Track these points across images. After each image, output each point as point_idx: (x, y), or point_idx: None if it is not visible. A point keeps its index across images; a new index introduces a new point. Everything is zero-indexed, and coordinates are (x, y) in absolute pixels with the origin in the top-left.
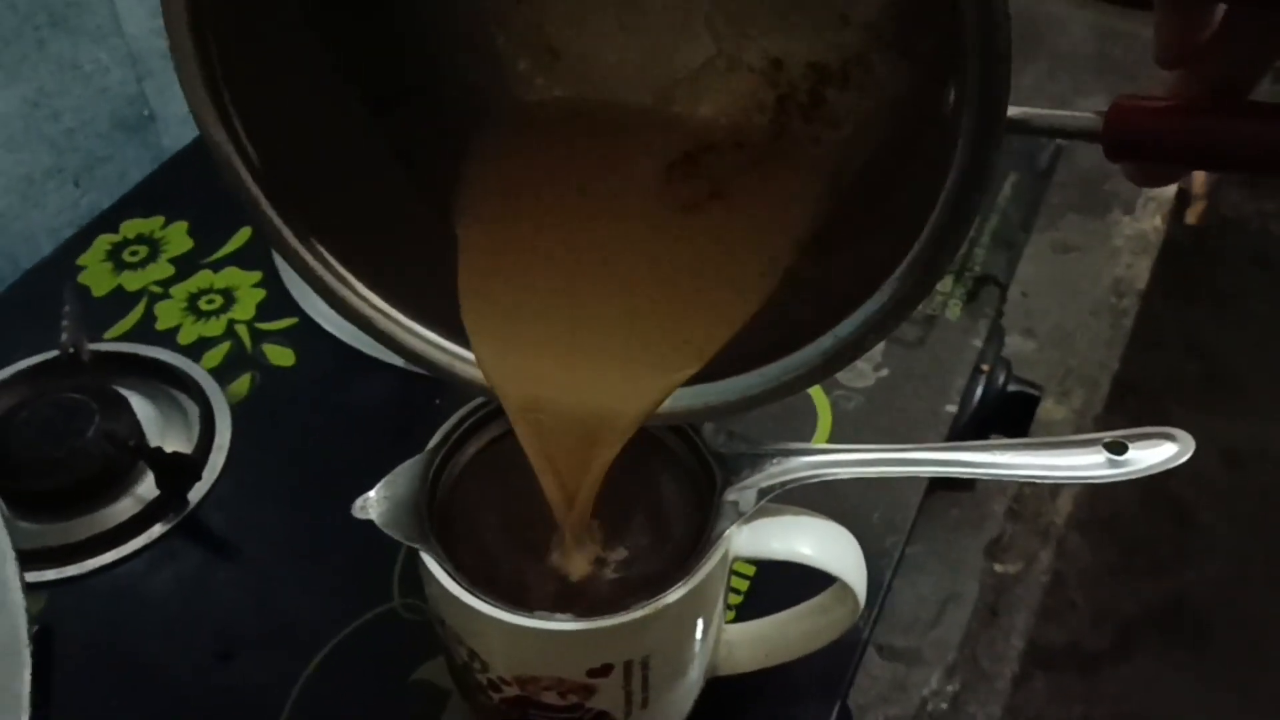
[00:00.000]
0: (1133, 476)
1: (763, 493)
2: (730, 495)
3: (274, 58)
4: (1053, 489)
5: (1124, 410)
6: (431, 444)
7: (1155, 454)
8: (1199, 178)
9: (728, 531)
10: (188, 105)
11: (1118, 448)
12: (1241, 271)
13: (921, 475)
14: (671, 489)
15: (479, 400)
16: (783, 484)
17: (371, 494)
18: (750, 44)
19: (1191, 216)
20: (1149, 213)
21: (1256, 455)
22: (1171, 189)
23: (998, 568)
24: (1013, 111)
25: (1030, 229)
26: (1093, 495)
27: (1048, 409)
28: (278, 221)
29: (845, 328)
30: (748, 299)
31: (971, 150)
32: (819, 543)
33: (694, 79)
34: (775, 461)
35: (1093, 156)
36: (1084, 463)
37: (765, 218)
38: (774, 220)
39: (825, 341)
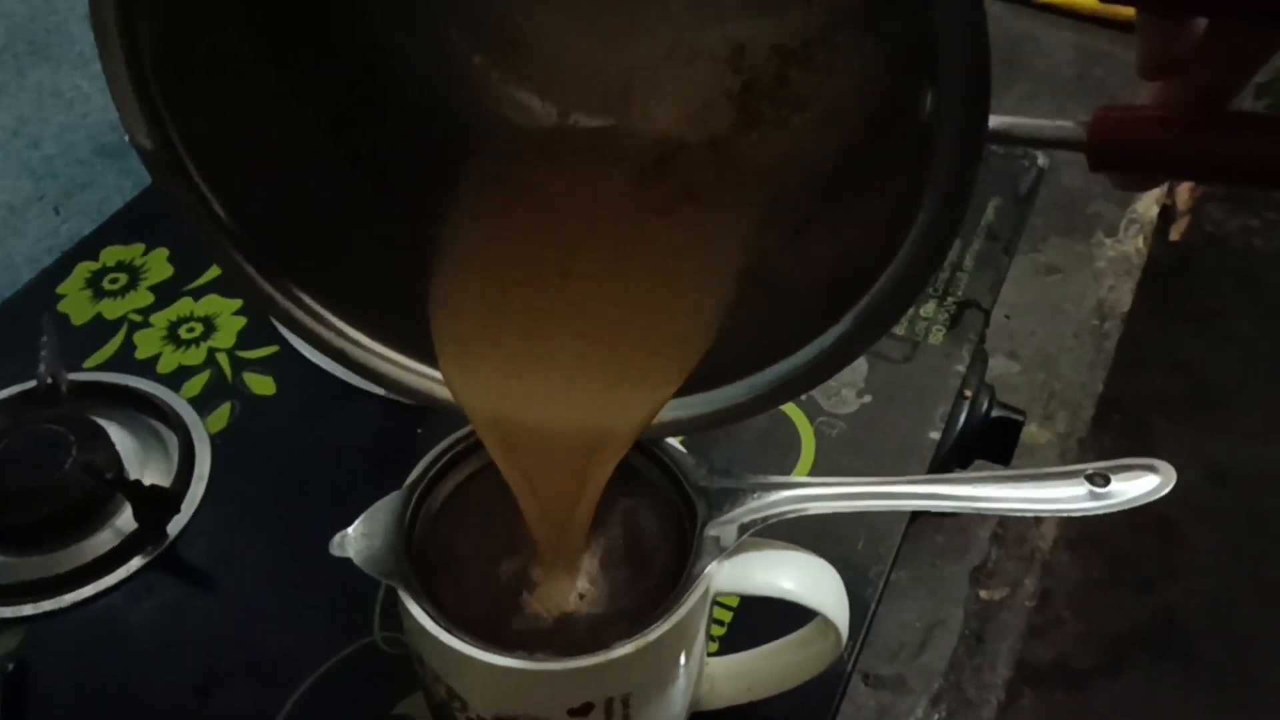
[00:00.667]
0: (1115, 509)
1: (744, 527)
2: (712, 530)
3: (221, 84)
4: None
5: (1109, 427)
6: (410, 479)
7: (1137, 486)
8: (1182, 194)
9: (709, 568)
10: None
11: (1100, 479)
12: (1225, 288)
13: (903, 509)
14: (652, 523)
15: (457, 434)
16: (764, 518)
17: (349, 531)
18: (711, 30)
19: (1175, 233)
20: (1131, 235)
21: (1242, 472)
22: (1154, 210)
23: (983, 594)
24: (995, 122)
25: (1013, 252)
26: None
27: (1032, 433)
28: (243, 264)
29: (829, 337)
30: (724, 301)
31: (953, 162)
32: (801, 578)
33: (656, 72)
34: (756, 495)
35: (1076, 178)
36: (1066, 495)
37: (739, 216)
38: (747, 218)
39: (810, 351)
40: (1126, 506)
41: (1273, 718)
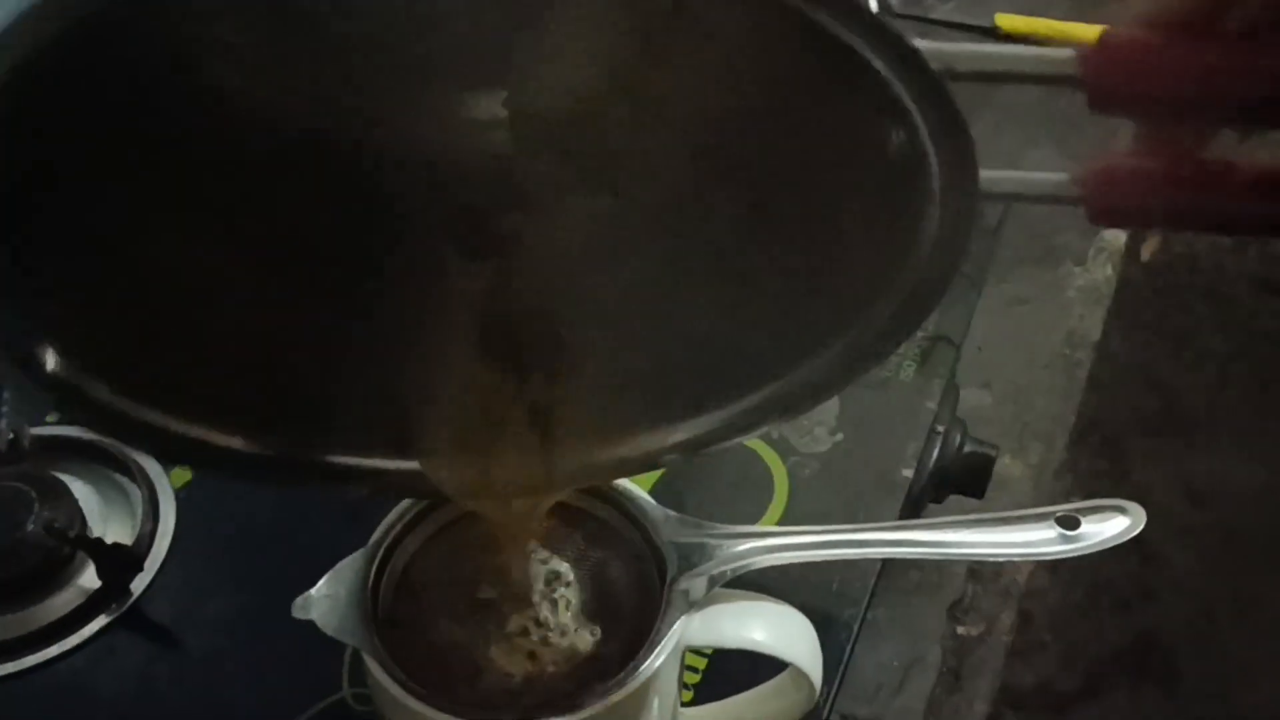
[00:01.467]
0: (1085, 552)
1: (714, 579)
2: (681, 584)
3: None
4: None
5: (1085, 447)
6: (374, 538)
7: (1107, 528)
8: None
9: (678, 623)
10: None
11: (1070, 522)
12: (1197, 307)
13: (873, 557)
14: (622, 577)
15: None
16: (734, 570)
17: (312, 592)
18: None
19: (1146, 253)
20: (1100, 263)
21: (1218, 492)
22: (1121, 238)
23: (960, 630)
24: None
25: (982, 285)
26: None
27: (1005, 465)
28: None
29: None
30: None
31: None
32: (772, 629)
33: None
34: (725, 547)
35: (1043, 208)
36: (1036, 538)
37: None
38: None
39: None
40: (1097, 549)
41: None
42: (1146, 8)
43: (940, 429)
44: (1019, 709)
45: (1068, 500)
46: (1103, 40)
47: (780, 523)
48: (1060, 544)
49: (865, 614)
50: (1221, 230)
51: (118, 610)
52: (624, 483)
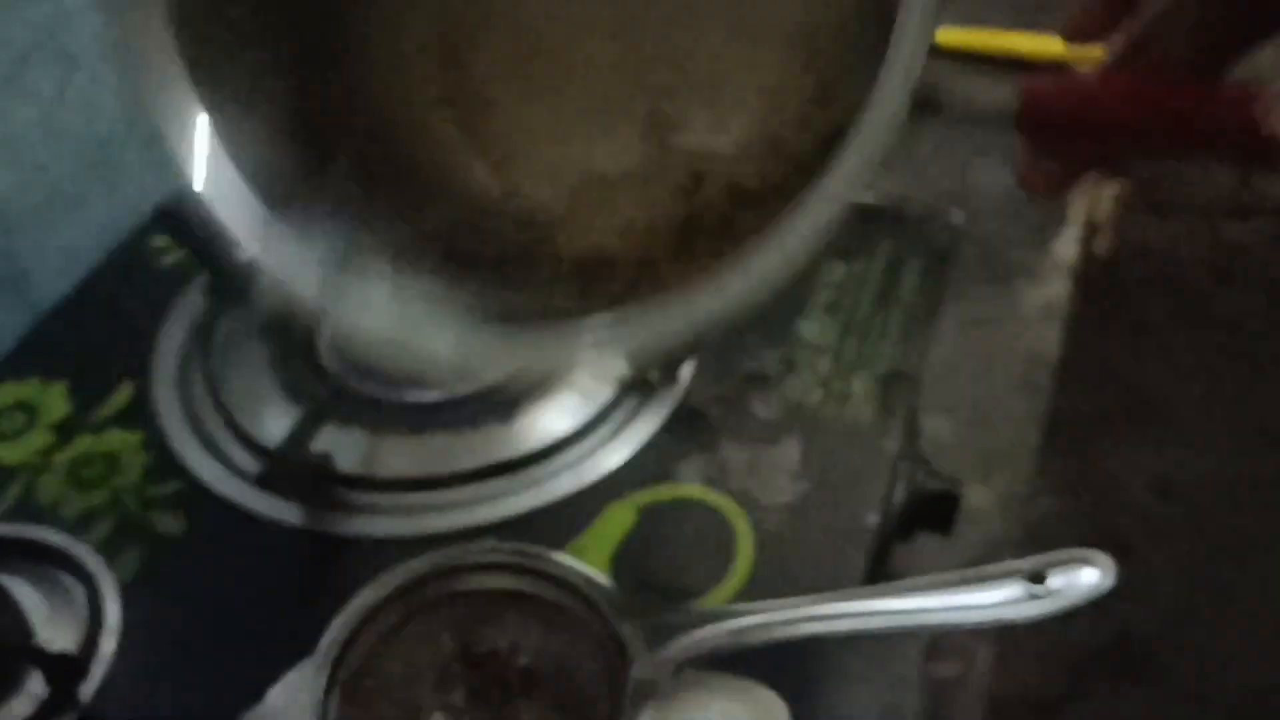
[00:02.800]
0: (1058, 612)
1: (678, 665)
2: (644, 671)
3: None
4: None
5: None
6: (323, 643)
7: (1078, 581)
8: (1103, 205)
9: (645, 712)
10: None
11: (1038, 577)
12: (1155, 298)
13: (839, 633)
14: (584, 666)
15: (372, 592)
16: (696, 655)
17: (263, 706)
18: (675, 156)
19: (1099, 246)
20: (1054, 279)
21: (1188, 483)
22: (1074, 249)
23: (937, 672)
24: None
25: (936, 315)
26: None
27: (973, 493)
28: None
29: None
30: None
31: None
32: (744, 714)
33: (612, 186)
34: (687, 631)
35: (994, 223)
36: (1004, 597)
37: None
38: None
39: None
40: (1069, 608)
41: None
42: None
43: (904, 468)
44: (1006, 718)
45: (1038, 529)
46: (1025, 95)
47: (747, 580)
48: (1029, 603)
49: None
50: (1153, 143)
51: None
52: (582, 566)
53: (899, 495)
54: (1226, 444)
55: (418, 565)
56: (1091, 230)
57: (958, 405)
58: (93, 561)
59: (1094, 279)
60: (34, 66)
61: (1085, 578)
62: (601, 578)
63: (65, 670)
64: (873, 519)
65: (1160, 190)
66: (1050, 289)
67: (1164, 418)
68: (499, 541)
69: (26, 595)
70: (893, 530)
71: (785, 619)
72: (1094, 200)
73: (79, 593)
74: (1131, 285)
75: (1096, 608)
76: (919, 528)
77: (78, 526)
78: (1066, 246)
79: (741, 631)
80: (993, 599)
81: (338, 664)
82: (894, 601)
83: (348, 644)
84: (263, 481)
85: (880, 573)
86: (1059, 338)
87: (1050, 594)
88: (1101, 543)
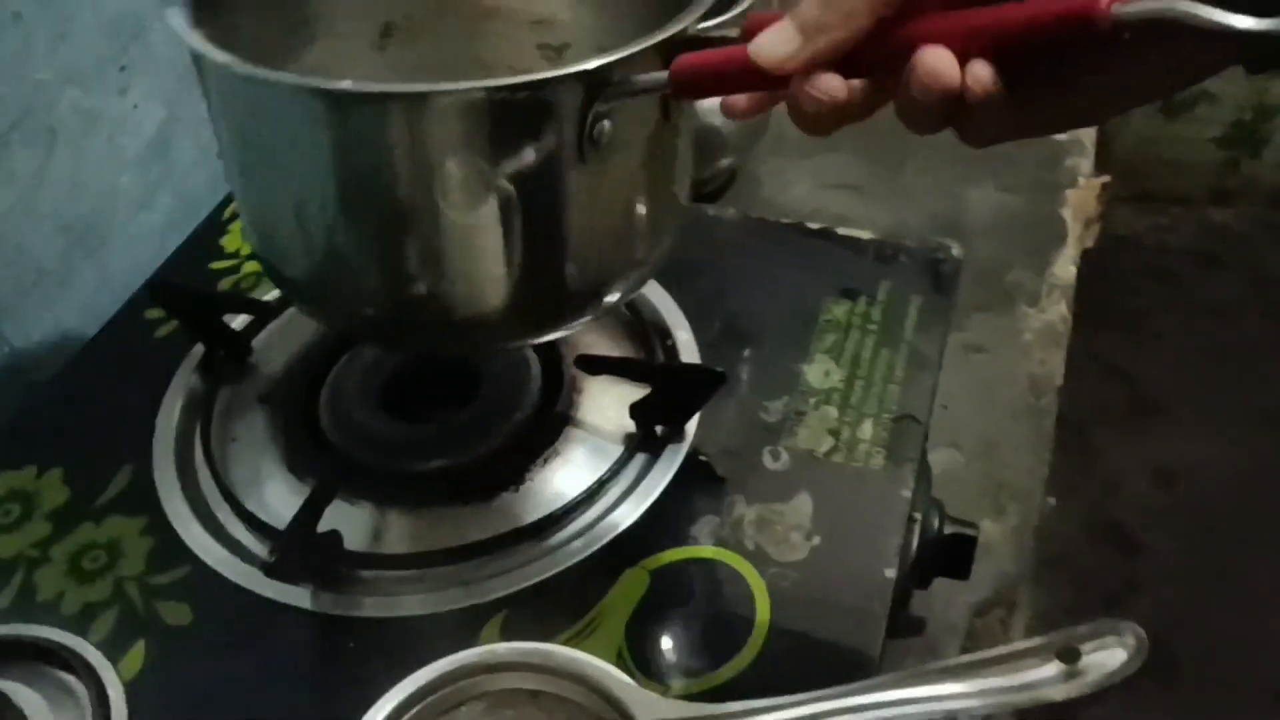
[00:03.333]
0: (1092, 689)
1: None
2: None
3: None
4: (1006, 611)
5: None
6: None
7: (1110, 658)
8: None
9: None
10: None
11: (1070, 655)
12: (1145, 288)
13: None
14: None
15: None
16: None
17: None
18: None
19: (1088, 239)
20: (1054, 301)
21: (1188, 472)
22: (1071, 270)
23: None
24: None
25: (941, 353)
26: (1038, 537)
27: (985, 530)
28: None
29: None
30: None
31: None
32: None
33: None
34: None
35: (991, 248)
36: (1038, 678)
37: None
38: None
39: None
40: (1105, 684)
41: (1258, 716)
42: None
43: (917, 515)
44: (1022, 716)
45: (1040, 529)
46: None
47: (765, 642)
48: (1063, 682)
49: None
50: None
51: None
52: (598, 662)
53: (915, 543)
54: (1223, 430)
55: (438, 669)
56: (1085, 225)
57: (964, 437)
58: (96, 659)
59: (1085, 272)
60: (13, 146)
61: (1117, 655)
62: (623, 677)
63: None
64: (890, 573)
65: (1145, 179)
66: (1050, 313)
67: (1160, 407)
68: (519, 643)
69: (29, 701)
70: (910, 575)
71: (811, 714)
72: (1081, 196)
73: (83, 694)
74: (1121, 276)
75: (1109, 604)
76: (936, 572)
77: (80, 622)
78: (1065, 268)
79: None
80: (1026, 680)
81: None
82: (924, 689)
83: None
84: (271, 571)
85: (900, 623)
86: (1061, 364)
87: (1084, 672)
88: (1106, 536)
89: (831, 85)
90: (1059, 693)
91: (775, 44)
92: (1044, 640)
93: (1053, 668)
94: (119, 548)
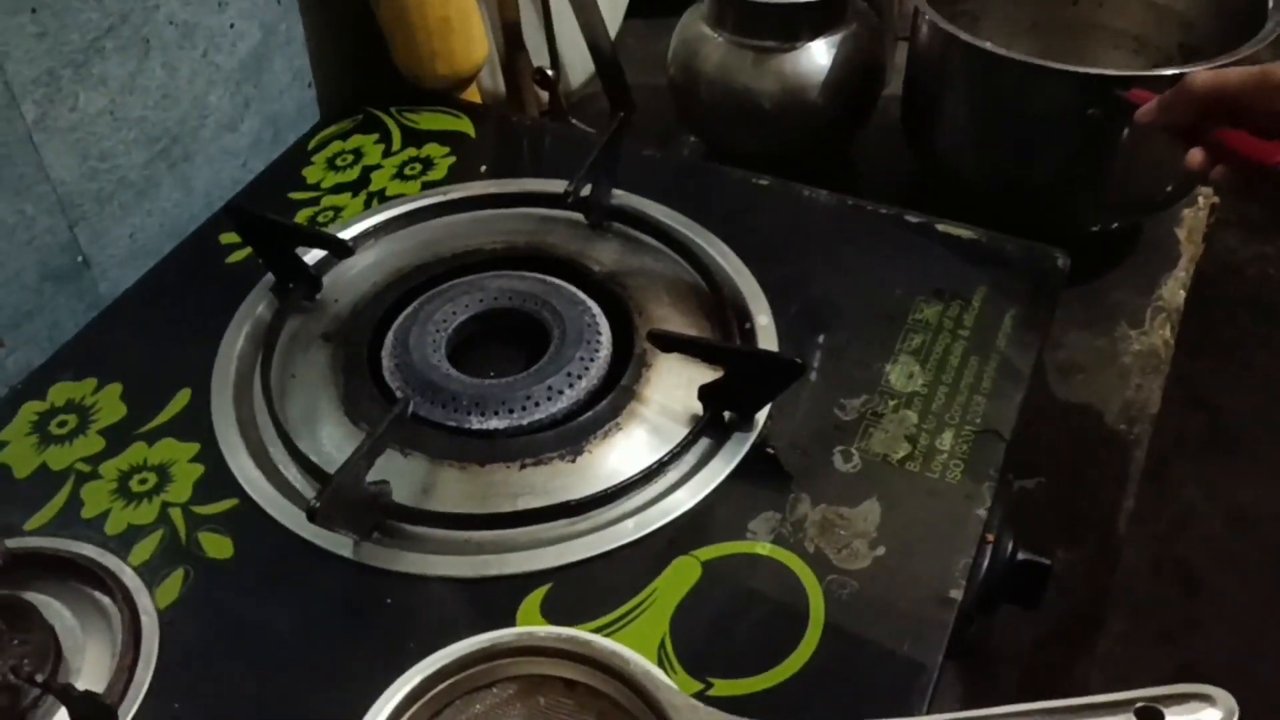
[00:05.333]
0: None
1: None
2: None
3: None
4: (1067, 648)
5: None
6: None
7: None
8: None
9: None
10: None
11: (1151, 715)
12: (1241, 320)
13: None
14: None
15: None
16: None
17: None
18: None
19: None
20: (1158, 325)
21: (1264, 515)
22: (1180, 295)
23: None
24: None
25: (1034, 368)
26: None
27: (1058, 559)
28: None
29: None
30: None
31: None
32: None
33: None
34: None
35: (1095, 263)
36: None
37: None
38: None
39: None
40: None
41: None
42: None
43: (990, 537)
44: None
45: (1127, 597)
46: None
47: (815, 652)
48: None
49: None
50: None
51: None
52: (641, 659)
53: (984, 566)
54: None
55: (471, 645)
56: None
57: (1048, 460)
58: (134, 583)
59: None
60: (106, 53)
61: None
62: (662, 675)
63: (91, 712)
64: (955, 594)
65: (1255, 208)
66: (1153, 337)
67: (1242, 444)
68: (559, 628)
69: (60, 617)
70: (976, 599)
71: None
72: (1197, 217)
73: (116, 617)
74: (1219, 305)
75: (1163, 640)
76: (1003, 599)
77: (121, 543)
78: (1174, 291)
79: None
80: None
81: None
82: None
83: None
84: (313, 516)
85: (958, 646)
86: (1159, 390)
87: None
88: (1170, 571)
89: None
90: None
91: None
92: (1125, 696)
93: None
94: (168, 472)
